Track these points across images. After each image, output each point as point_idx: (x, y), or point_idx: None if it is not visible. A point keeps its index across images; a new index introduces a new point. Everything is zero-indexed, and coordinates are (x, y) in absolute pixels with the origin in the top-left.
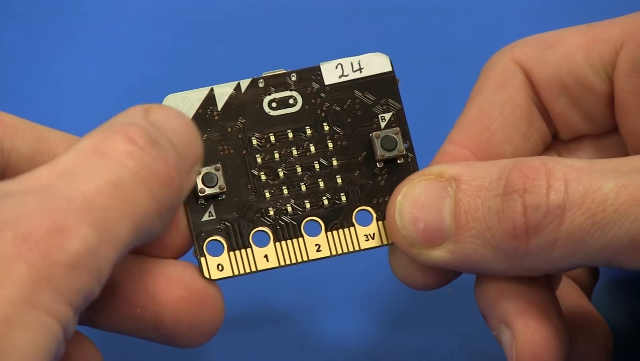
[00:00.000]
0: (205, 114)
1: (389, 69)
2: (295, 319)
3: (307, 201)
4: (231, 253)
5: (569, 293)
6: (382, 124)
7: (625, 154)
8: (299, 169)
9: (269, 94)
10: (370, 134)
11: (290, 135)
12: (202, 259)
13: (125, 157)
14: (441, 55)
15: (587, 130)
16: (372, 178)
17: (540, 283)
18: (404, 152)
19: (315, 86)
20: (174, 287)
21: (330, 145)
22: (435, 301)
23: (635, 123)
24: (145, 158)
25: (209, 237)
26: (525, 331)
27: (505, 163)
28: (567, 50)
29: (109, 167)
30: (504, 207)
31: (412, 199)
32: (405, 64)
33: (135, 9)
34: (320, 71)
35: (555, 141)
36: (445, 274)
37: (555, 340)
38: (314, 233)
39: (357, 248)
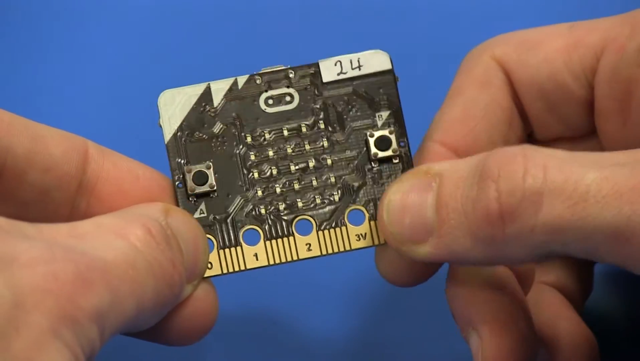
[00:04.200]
0: (200, 110)
1: (389, 67)
2: (286, 314)
3: (299, 200)
4: (221, 251)
5: (551, 302)
6: (379, 123)
7: None
8: (292, 167)
9: (266, 91)
10: (365, 133)
11: (286, 132)
12: None
13: (142, 244)
14: (441, 54)
15: (563, 133)
16: (366, 178)
17: (510, 288)
18: (398, 151)
19: (313, 83)
20: None
21: (326, 143)
22: (425, 293)
23: (615, 128)
24: (157, 253)
25: None
26: (491, 339)
27: (485, 152)
28: (547, 54)
29: (126, 247)
30: (478, 194)
31: (400, 196)
32: (405, 62)
33: (134, 4)
34: (319, 68)
35: (532, 142)
36: (424, 272)
37: (522, 348)
38: (306, 232)
39: (347, 248)
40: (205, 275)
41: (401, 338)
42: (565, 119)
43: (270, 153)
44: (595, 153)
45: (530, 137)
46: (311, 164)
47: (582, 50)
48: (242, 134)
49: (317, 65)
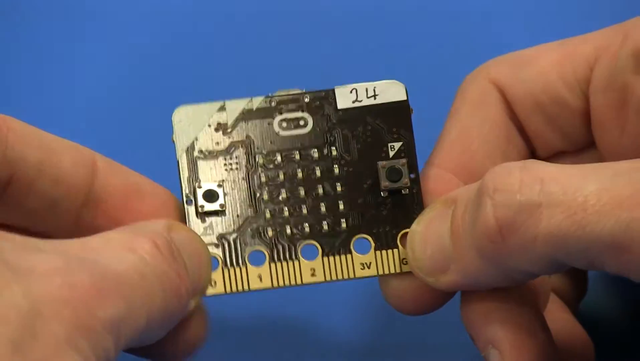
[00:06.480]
0: (214, 128)
1: (404, 98)
2: (286, 314)
3: (307, 224)
4: (225, 270)
5: (549, 305)
6: (391, 153)
7: None
8: (302, 192)
9: (281, 113)
10: (377, 163)
11: (297, 156)
12: None
13: (150, 257)
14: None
15: (564, 147)
16: (375, 207)
17: (525, 301)
18: (408, 183)
19: (328, 109)
20: None
21: (337, 170)
22: None
23: (612, 137)
24: (165, 265)
25: None
26: (512, 353)
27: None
28: (541, 68)
29: (136, 260)
30: (477, 211)
31: (421, 229)
32: (419, 92)
33: (151, 16)
34: (335, 95)
35: (534, 158)
36: (435, 301)
37: (543, 358)
38: (311, 256)
39: (351, 276)
40: (208, 293)
41: (404, 338)
42: (564, 132)
43: (281, 176)
44: (595, 165)
45: (533, 154)
46: (320, 189)
47: (575, 61)
48: (254, 155)
49: (332, 91)
